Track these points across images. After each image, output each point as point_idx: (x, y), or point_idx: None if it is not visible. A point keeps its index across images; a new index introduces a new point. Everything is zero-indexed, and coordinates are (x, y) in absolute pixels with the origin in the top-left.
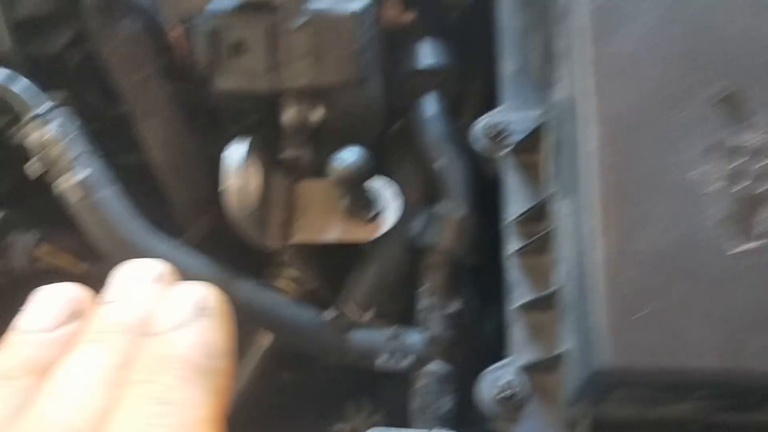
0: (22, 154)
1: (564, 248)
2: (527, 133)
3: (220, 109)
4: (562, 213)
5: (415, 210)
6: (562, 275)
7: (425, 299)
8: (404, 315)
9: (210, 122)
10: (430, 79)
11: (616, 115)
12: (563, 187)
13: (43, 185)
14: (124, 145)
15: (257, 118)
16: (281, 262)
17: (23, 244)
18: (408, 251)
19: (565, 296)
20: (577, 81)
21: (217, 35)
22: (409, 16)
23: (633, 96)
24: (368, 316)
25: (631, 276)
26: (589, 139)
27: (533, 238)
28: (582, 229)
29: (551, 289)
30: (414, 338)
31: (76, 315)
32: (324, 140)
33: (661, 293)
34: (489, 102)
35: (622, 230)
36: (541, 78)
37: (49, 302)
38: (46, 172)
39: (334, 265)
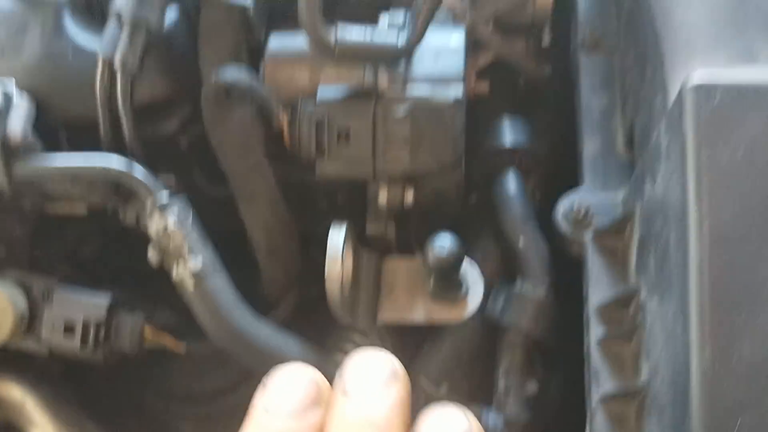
0: (128, 237)
1: (653, 344)
2: (613, 219)
3: (313, 188)
4: (652, 309)
5: (491, 286)
6: (649, 370)
7: (502, 379)
8: (480, 395)
9: (300, 198)
10: (510, 156)
11: (724, 223)
12: (653, 284)
13: (142, 266)
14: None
15: (347, 196)
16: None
17: (132, 324)
18: (484, 328)
19: (654, 394)
20: (684, 185)
21: (324, 123)
22: (484, 87)
23: (740, 205)
24: (442, 391)
25: (729, 386)
26: (695, 246)
27: (620, 325)
28: (681, 332)
29: (638, 382)
30: (490, 419)
31: (318, 401)
32: (409, 217)
33: (757, 405)
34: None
35: (723, 339)
36: (625, 161)
37: (293, 384)
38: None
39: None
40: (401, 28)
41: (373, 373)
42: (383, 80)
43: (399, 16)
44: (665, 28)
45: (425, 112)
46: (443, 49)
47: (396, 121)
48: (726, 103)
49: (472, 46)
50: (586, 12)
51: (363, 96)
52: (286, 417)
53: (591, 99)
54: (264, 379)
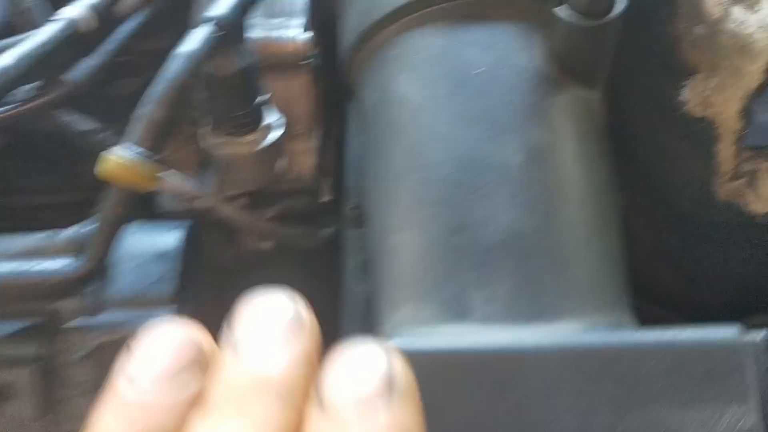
0: None
1: None
2: None
3: None
4: None
5: None
6: None
7: None
8: None
9: None
10: None
11: None
12: None
13: None
14: None
15: None
16: None
17: None
18: None
19: None
20: None
21: None
22: None
23: None
24: None
25: None
26: None
27: None
28: None
29: None
30: None
31: (196, 364)
32: None
33: None
34: None
35: None
36: None
37: (165, 345)
38: None
39: None
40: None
41: (270, 322)
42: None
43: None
44: (381, 273)
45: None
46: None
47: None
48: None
49: None
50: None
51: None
52: (154, 386)
53: (354, 284)
54: (128, 342)
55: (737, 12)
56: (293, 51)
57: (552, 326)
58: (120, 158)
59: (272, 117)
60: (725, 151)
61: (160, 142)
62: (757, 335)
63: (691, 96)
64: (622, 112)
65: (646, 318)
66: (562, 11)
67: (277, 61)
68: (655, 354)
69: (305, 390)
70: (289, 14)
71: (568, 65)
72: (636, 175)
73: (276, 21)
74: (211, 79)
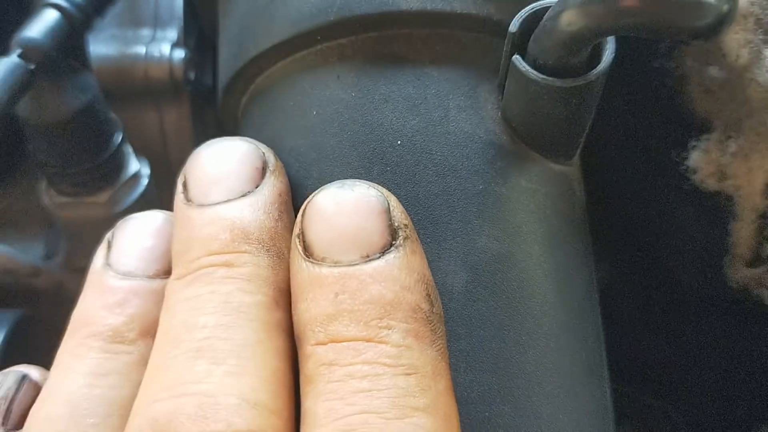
0: None
1: None
2: None
3: None
4: None
5: None
6: None
7: None
8: None
9: None
10: None
11: None
12: None
13: None
14: None
15: None
16: None
17: None
18: None
19: None
20: None
21: None
22: None
23: None
24: None
25: None
26: None
27: None
28: None
29: None
30: None
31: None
32: None
33: None
34: None
35: None
36: None
37: (145, 237)
38: None
39: None
40: None
41: (231, 166)
42: None
43: None
44: None
45: None
46: None
47: None
48: None
49: None
50: None
51: None
52: (143, 277)
53: None
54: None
55: None
56: (164, 74)
57: None
58: None
59: (134, 165)
60: (744, 231)
61: None
62: None
63: (703, 163)
64: (610, 164)
65: (635, 408)
66: (521, 64)
67: (143, 89)
68: None
69: (284, 237)
70: (156, 23)
71: (529, 134)
72: (627, 241)
73: (137, 33)
74: (32, 128)
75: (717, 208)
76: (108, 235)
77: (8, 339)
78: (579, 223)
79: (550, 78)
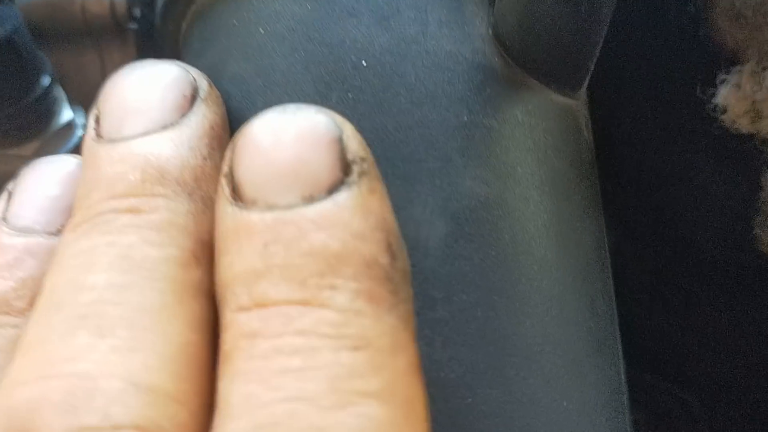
0: None
1: None
2: None
3: None
4: None
5: None
6: None
7: None
8: None
9: None
10: None
11: None
12: None
13: None
14: None
15: None
16: None
17: None
18: None
19: None
20: None
21: None
22: None
23: None
24: None
25: None
26: None
27: None
28: None
29: None
30: None
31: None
32: None
33: None
34: None
35: None
36: None
37: (50, 185)
38: None
39: None
40: None
41: (151, 95)
42: None
43: None
44: None
45: None
46: None
47: None
48: None
49: None
50: None
51: None
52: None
53: None
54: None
55: None
56: (105, 11)
57: None
58: None
59: (67, 113)
60: None
61: None
62: None
63: (732, 100)
64: (620, 104)
65: (648, 394)
66: None
67: (79, 27)
68: None
69: (214, 178)
70: None
71: (526, 55)
72: (638, 198)
73: None
74: None
75: (748, 155)
76: (10, 184)
77: None
78: (586, 167)
79: None
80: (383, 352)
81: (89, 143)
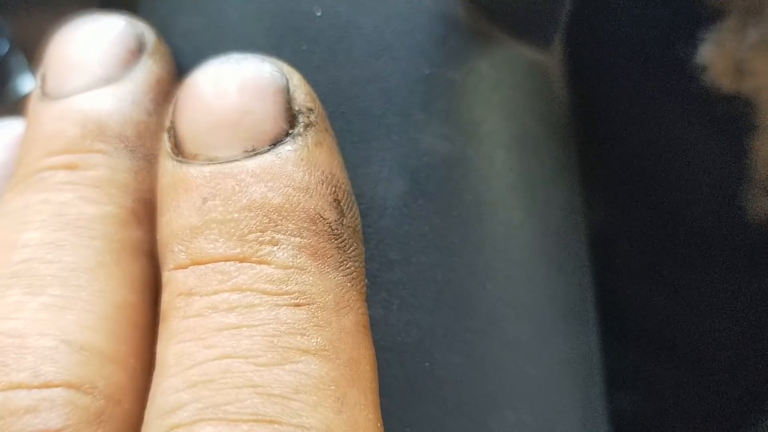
0: None
1: None
2: None
3: None
4: None
5: None
6: None
7: None
8: None
9: None
10: None
11: None
12: None
13: None
14: None
15: None
16: None
17: None
18: None
19: None
20: None
21: None
22: None
23: None
24: None
25: None
26: None
27: None
28: None
29: None
30: None
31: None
32: None
33: None
34: None
35: None
36: None
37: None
38: None
39: None
40: None
41: (95, 50)
42: None
43: None
44: None
45: None
46: None
47: None
48: None
49: None
50: None
51: None
52: None
53: None
54: None
55: None
56: None
57: None
58: None
59: (29, 80)
60: (767, 148)
61: None
62: None
63: (716, 57)
64: (607, 79)
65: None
66: None
67: None
68: None
69: (159, 134)
70: None
71: (494, 6)
72: (623, 167)
73: None
74: None
75: (733, 118)
76: None
77: None
78: (559, 127)
79: None
80: (327, 310)
81: (33, 101)
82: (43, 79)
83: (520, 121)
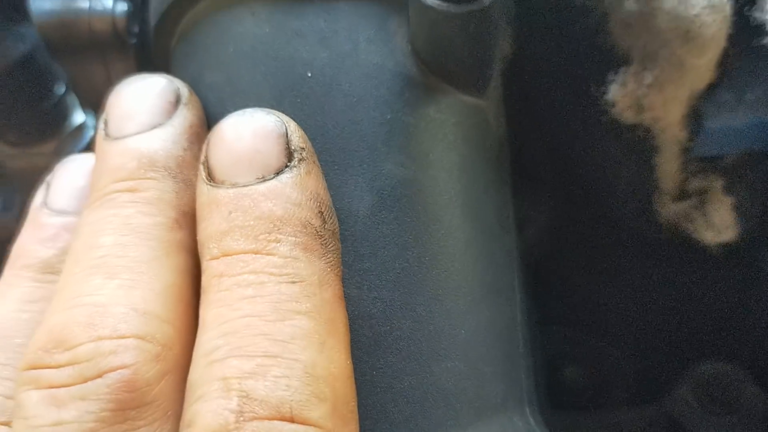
0: None
1: None
2: None
3: None
4: None
5: None
6: None
7: None
8: None
9: None
10: None
11: None
12: None
13: None
14: None
15: None
16: None
17: None
18: None
19: None
20: None
21: None
22: None
23: None
24: None
25: None
26: None
27: None
28: None
29: None
30: None
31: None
32: None
33: None
34: None
35: None
36: None
37: (78, 177)
38: None
39: None
40: None
41: (145, 102)
42: None
43: None
44: None
45: None
46: None
47: None
48: None
49: None
50: None
51: None
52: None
53: None
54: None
55: None
56: (108, 27)
57: None
58: None
59: (79, 116)
60: (668, 165)
61: None
62: None
63: (621, 95)
64: (534, 114)
65: (584, 352)
66: None
67: (86, 42)
68: None
69: (193, 165)
70: None
71: (436, 65)
72: (564, 180)
73: None
74: None
75: (639, 142)
76: (48, 176)
77: None
78: (491, 152)
79: (445, 3)
80: (313, 285)
81: (99, 141)
82: (106, 124)
83: (459, 151)
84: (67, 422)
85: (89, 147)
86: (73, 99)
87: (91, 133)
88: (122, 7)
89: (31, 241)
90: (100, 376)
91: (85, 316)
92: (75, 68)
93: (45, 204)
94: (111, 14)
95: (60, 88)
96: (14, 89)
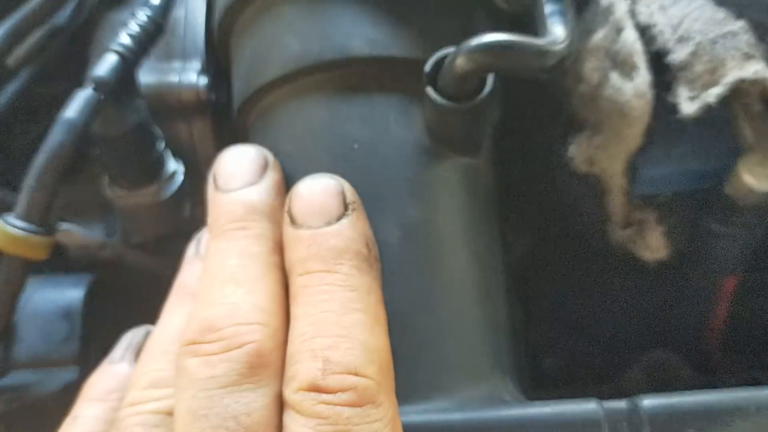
0: None
1: None
2: None
3: None
4: None
5: None
6: None
7: None
8: None
9: None
10: None
11: None
12: None
13: None
14: None
15: None
16: None
17: None
18: None
19: None
20: None
21: None
22: None
23: None
24: None
25: None
26: None
27: None
28: None
29: None
30: None
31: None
32: None
33: None
34: None
35: None
36: None
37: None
38: None
39: None
40: None
41: (243, 165)
42: None
43: None
44: None
45: None
46: None
47: None
48: None
49: None
50: None
51: None
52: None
53: None
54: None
55: (614, 78)
56: (193, 96)
57: (422, 405)
58: (7, 231)
59: (172, 165)
60: (615, 202)
61: (47, 213)
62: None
63: (577, 153)
64: (527, 162)
65: (562, 351)
66: (431, 92)
67: (177, 108)
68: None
69: (280, 211)
70: (185, 56)
71: (444, 139)
72: (544, 215)
73: (171, 65)
74: (100, 139)
75: (595, 186)
76: (198, 234)
77: (87, 293)
78: (484, 199)
79: (449, 102)
80: (364, 292)
81: (211, 192)
82: (215, 179)
83: (461, 198)
84: (218, 376)
85: (180, 189)
86: (168, 153)
87: (181, 178)
88: (203, 80)
89: (191, 277)
90: (239, 347)
91: (227, 311)
92: (168, 128)
93: (198, 252)
94: (195, 87)
95: (161, 146)
96: (129, 148)
